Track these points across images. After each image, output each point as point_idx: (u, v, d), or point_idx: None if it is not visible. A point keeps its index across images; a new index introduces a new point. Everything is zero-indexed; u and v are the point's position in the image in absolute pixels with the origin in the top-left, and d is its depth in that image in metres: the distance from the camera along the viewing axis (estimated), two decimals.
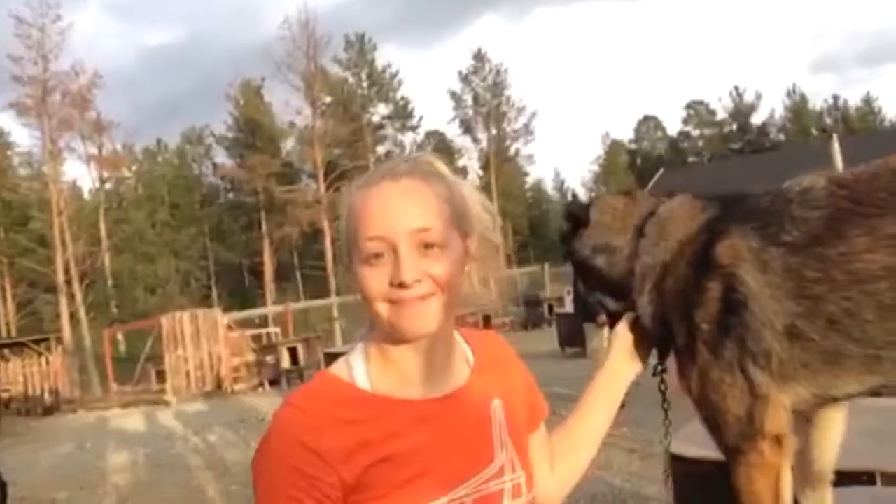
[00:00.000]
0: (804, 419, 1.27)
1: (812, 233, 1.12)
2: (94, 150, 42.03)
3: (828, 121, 56.16)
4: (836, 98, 58.62)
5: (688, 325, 1.23)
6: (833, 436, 1.31)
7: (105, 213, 42.84)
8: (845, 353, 1.13)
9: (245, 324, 20.45)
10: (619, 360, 1.36)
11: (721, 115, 59.44)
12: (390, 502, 1.01)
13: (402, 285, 1.00)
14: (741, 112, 58.45)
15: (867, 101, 58.21)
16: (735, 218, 1.20)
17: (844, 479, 1.86)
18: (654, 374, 1.38)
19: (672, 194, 1.39)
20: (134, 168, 50.96)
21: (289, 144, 48.91)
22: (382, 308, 1.03)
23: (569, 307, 15.26)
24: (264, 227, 45.71)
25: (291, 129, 46.80)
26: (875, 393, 1.23)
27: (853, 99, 59.42)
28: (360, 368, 1.08)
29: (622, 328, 1.35)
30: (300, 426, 1.01)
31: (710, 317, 1.19)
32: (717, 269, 1.18)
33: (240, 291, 47.25)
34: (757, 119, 58.74)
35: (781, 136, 56.51)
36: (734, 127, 58.84)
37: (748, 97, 58.59)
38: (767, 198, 1.21)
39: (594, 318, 1.48)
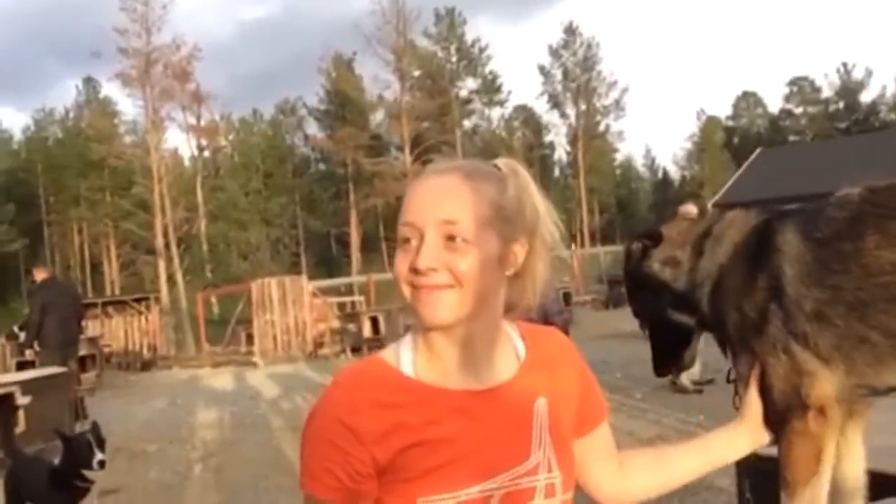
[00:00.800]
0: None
1: (837, 230, 1.25)
2: (192, 121, 43.94)
3: None
4: None
5: (739, 315, 1.32)
6: (856, 459, 1.35)
7: (202, 180, 44.67)
8: (871, 340, 1.21)
9: (330, 292, 21.00)
10: (741, 430, 1.33)
11: (827, 92, 56.37)
12: (420, 485, 1.05)
13: (416, 271, 1.05)
14: (849, 90, 55.20)
15: None
16: (782, 219, 1.33)
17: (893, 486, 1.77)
18: (728, 381, 1.42)
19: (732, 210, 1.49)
20: (230, 137, 52.81)
21: (378, 117, 49.62)
22: (406, 291, 1.08)
23: None
24: (352, 197, 46.67)
25: (380, 103, 47.40)
26: None
27: None
28: (406, 355, 1.12)
29: (755, 398, 1.33)
30: (341, 404, 1.07)
31: (757, 304, 1.29)
32: (763, 261, 1.30)
33: (327, 260, 48.49)
34: (866, 97, 55.37)
35: (893, 116, 53.11)
36: (841, 105, 55.69)
37: (857, 74, 55.27)
38: (815, 202, 1.34)
39: (674, 372, 1.56)
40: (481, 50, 49.36)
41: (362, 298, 20.05)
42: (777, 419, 1.29)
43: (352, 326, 15.68)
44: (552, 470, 1.14)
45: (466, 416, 1.08)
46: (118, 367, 17.46)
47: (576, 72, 51.19)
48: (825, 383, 1.25)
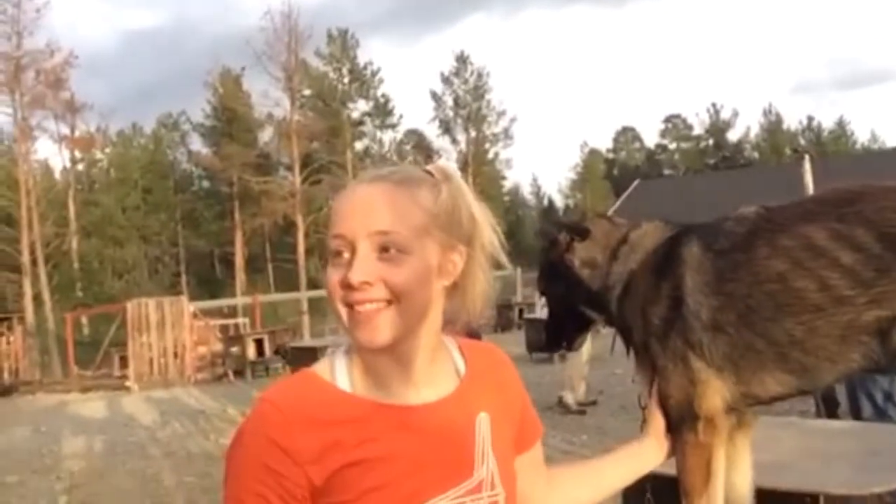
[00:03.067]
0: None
1: (734, 242, 1.33)
2: (66, 131, 41.49)
3: (802, 141, 57.11)
4: (810, 119, 59.71)
5: (643, 321, 1.39)
6: (745, 468, 1.43)
7: (75, 194, 42.16)
8: (757, 347, 1.29)
9: (213, 313, 20.25)
10: (647, 445, 1.36)
11: (698, 130, 60.23)
12: None
13: (350, 286, 0.99)
14: (717, 128, 59.24)
15: (840, 124, 59.40)
16: (690, 232, 1.40)
17: (787, 500, 1.89)
18: (634, 381, 1.50)
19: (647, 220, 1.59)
20: (107, 150, 50.25)
21: (266, 136, 48.59)
22: (341, 311, 1.03)
23: (539, 313, 15.34)
24: (237, 216, 45.32)
25: (269, 121, 46.48)
26: (803, 393, 1.40)
27: (827, 122, 60.39)
28: (342, 369, 1.07)
29: (658, 413, 1.36)
30: (273, 424, 1.00)
31: (660, 311, 1.36)
32: (668, 271, 1.37)
33: (209, 280, 46.79)
34: (733, 136, 59.61)
35: (756, 154, 57.36)
36: (710, 142, 59.64)
37: (725, 114, 59.42)
38: (718, 219, 1.42)
39: (564, 346, 1.69)
40: (374, 73, 49.47)
41: (247, 321, 19.46)
42: (673, 427, 1.35)
43: (235, 349, 15.17)
44: (495, 487, 1.10)
45: (406, 433, 1.04)
46: None
47: (466, 99, 52.18)
48: (715, 394, 1.31)
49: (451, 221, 1.05)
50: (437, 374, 1.11)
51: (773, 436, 2.38)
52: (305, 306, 20.26)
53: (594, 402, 8.29)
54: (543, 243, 1.63)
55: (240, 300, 23.82)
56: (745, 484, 1.43)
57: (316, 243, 41.10)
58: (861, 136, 60.36)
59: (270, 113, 44.77)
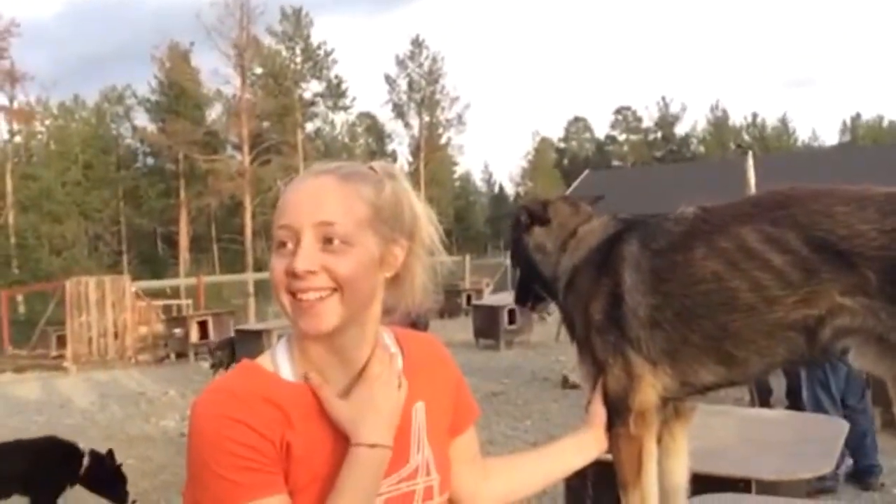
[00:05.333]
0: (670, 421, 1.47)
1: (671, 242, 1.37)
2: (5, 102, 39.93)
3: (746, 137, 58.62)
4: (755, 116, 61.21)
5: (584, 316, 1.43)
6: (681, 456, 1.49)
7: (12, 167, 40.63)
8: (693, 342, 1.34)
9: (155, 294, 19.80)
10: (589, 435, 1.40)
11: (647, 122, 61.24)
12: (304, 495, 1.03)
13: (295, 275, 1.02)
14: (666, 122, 60.32)
15: (783, 121, 61.10)
16: (631, 230, 1.44)
17: (722, 485, 1.96)
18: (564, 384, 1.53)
19: (596, 201, 1.66)
20: (48, 123, 48.51)
21: (214, 113, 47.61)
22: (285, 300, 1.06)
23: (487, 299, 15.42)
24: (183, 195, 44.35)
25: (218, 98, 45.56)
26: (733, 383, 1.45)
27: (771, 118, 62.05)
28: (284, 362, 1.11)
29: (599, 406, 1.41)
30: (228, 404, 1.03)
31: (600, 307, 1.41)
32: (608, 268, 1.41)
33: (152, 260, 45.69)
34: (681, 130, 60.80)
35: (702, 149, 58.63)
36: (659, 135, 60.71)
37: (674, 108, 60.53)
38: (658, 217, 1.47)
39: (529, 305, 1.73)
40: (327, 53, 48.80)
41: (190, 302, 19.09)
42: (609, 420, 1.40)
43: (178, 331, 14.83)
44: (430, 473, 1.15)
45: None
46: None
47: (421, 83, 51.98)
48: (649, 388, 1.37)
49: (393, 216, 1.10)
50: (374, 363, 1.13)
51: (709, 423, 2.46)
52: (252, 288, 19.95)
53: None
54: (513, 219, 1.70)
55: (183, 281, 23.39)
56: (681, 471, 1.48)
57: (263, 224, 40.53)
58: (802, 134, 62.27)
59: (219, 90, 44.04)
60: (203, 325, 14.63)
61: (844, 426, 2.85)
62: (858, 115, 63.05)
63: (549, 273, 1.55)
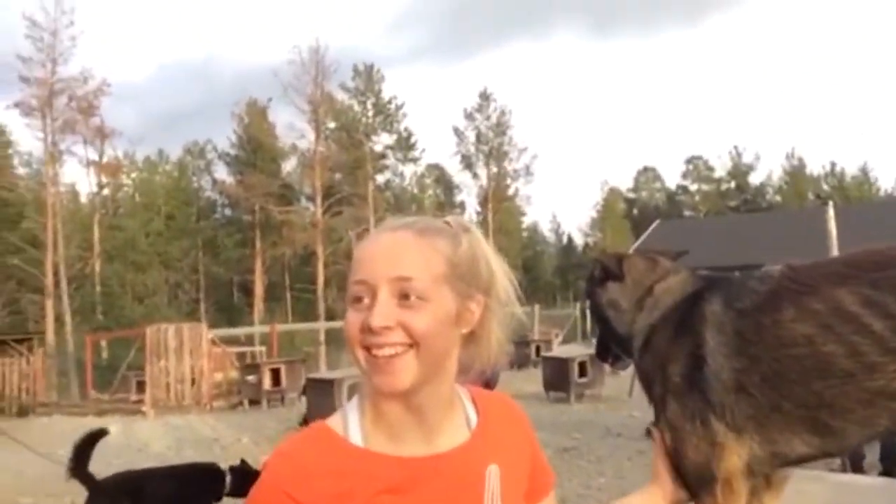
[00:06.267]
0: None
1: (757, 302, 1.31)
2: (94, 156, 42.23)
3: (824, 187, 56.77)
4: (833, 165, 59.34)
5: (663, 378, 1.38)
6: None
7: (100, 218, 42.76)
8: (783, 409, 1.27)
9: (230, 341, 20.31)
10: (656, 493, 1.36)
11: (719, 172, 60.08)
12: None
13: (370, 330, 1.01)
14: (739, 171, 59.05)
15: (864, 170, 58.97)
16: (712, 289, 1.39)
17: None
18: (648, 435, 1.49)
19: (679, 256, 1.61)
20: (133, 176, 51.04)
21: (289, 166, 49.18)
22: (360, 355, 1.04)
23: (556, 350, 15.23)
24: (258, 245, 45.69)
25: (293, 151, 47.08)
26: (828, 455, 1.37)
27: (850, 167, 60.03)
28: (354, 422, 1.09)
29: (662, 462, 1.36)
30: (285, 475, 1.02)
31: (681, 370, 1.35)
32: (688, 328, 1.36)
33: (228, 308, 46.99)
34: (755, 179, 59.39)
35: (778, 198, 57.03)
36: (732, 185, 59.41)
37: (747, 157, 59.30)
38: (741, 275, 1.41)
39: (610, 361, 1.68)
40: (398, 107, 50.02)
41: (263, 349, 19.48)
42: (690, 490, 1.33)
43: (251, 378, 15.13)
44: None
45: (417, 485, 1.05)
46: None
47: (488, 135, 52.53)
48: (734, 456, 1.30)
49: (470, 271, 1.08)
50: (450, 423, 1.12)
51: (800, 489, 2.35)
52: (323, 336, 20.23)
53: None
54: (587, 273, 1.67)
55: (257, 328, 23.89)
56: None
57: (335, 274, 41.25)
58: (885, 183, 59.90)
59: (295, 144, 45.44)
60: (276, 373, 14.87)
61: None
62: None
63: (624, 331, 1.51)
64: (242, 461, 5.03)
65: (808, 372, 1.25)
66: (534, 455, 1.22)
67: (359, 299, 1.04)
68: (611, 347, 1.62)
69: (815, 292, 1.27)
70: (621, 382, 12.60)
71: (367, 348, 1.03)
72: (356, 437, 1.07)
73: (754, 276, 1.38)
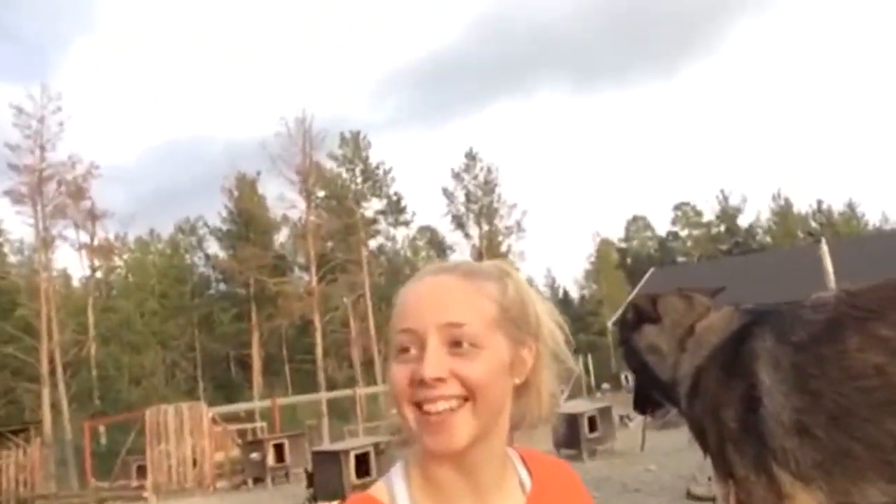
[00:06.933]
0: None
1: (815, 333, 1.20)
2: (86, 239, 42.32)
3: (813, 224, 57.31)
4: (819, 202, 60.02)
5: (718, 426, 1.27)
6: None
7: (93, 301, 42.56)
8: (853, 452, 1.14)
9: (231, 418, 19.99)
10: None
11: (708, 216, 60.67)
12: None
13: (422, 382, 0.93)
14: (727, 214, 59.63)
15: (850, 206, 59.67)
16: (760, 322, 1.27)
17: None
18: (688, 497, 1.40)
19: (716, 293, 1.47)
20: (125, 257, 51.08)
21: (282, 237, 49.39)
22: (409, 413, 0.96)
23: (563, 406, 15.03)
24: (254, 318, 45.47)
25: (285, 222, 47.36)
26: None
27: (836, 204, 60.77)
28: (401, 490, 1.01)
29: None
30: None
31: (736, 415, 1.24)
32: (740, 368, 1.25)
33: (226, 383, 46.42)
34: (743, 221, 59.94)
35: (768, 238, 57.46)
36: (722, 228, 59.88)
37: (734, 200, 59.95)
38: (792, 305, 1.29)
39: (651, 411, 1.55)
40: (385, 172, 50.57)
41: (265, 424, 19.16)
42: None
43: (255, 455, 14.81)
44: None
45: None
46: None
47: (477, 194, 53.03)
48: None
49: (520, 315, 1.01)
50: (504, 487, 1.03)
51: None
52: (325, 408, 19.95)
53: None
54: (622, 317, 1.56)
55: (258, 404, 23.55)
56: None
57: (333, 343, 40.94)
58: (872, 217, 60.53)
59: (286, 215, 45.73)
60: (279, 448, 14.58)
61: None
62: None
63: (667, 376, 1.41)
64: None
65: (880, 407, 1.14)
66: None
67: (405, 350, 0.96)
68: (650, 396, 1.52)
69: (881, 317, 1.16)
70: (631, 436, 12.40)
71: (418, 405, 0.95)
72: None
73: (806, 306, 1.28)
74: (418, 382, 0.93)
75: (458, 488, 0.99)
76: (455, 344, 0.94)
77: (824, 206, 59.77)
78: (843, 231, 53.37)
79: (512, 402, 1.00)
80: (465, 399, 0.94)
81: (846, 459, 1.14)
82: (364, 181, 50.12)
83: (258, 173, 47.81)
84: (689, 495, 7.86)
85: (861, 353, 1.15)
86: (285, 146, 42.74)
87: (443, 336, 0.94)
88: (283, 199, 44.02)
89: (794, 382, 1.18)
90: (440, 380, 0.93)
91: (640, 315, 1.47)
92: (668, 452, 10.13)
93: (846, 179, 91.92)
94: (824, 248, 14.50)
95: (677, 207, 61.80)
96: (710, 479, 7.77)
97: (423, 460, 1.00)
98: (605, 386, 25.57)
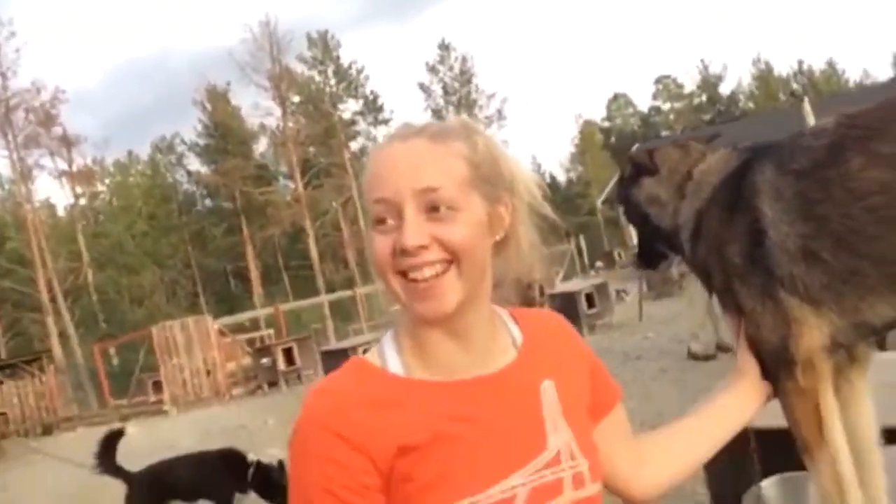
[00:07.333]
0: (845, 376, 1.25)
1: (816, 158, 1.17)
2: (64, 167, 41.67)
3: (794, 86, 56.79)
4: (800, 63, 59.26)
5: (722, 264, 1.25)
6: (863, 404, 1.28)
7: (82, 228, 42.37)
8: (862, 271, 1.14)
9: (236, 328, 20.39)
10: (746, 386, 1.23)
11: (689, 87, 59.92)
12: (436, 493, 0.92)
13: (404, 251, 0.93)
14: (709, 83, 58.89)
15: (830, 64, 58.97)
16: (759, 157, 1.25)
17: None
18: (689, 356, 1.41)
19: (711, 139, 1.46)
20: (107, 181, 50.44)
21: (261, 146, 48.68)
22: (396, 283, 0.95)
23: (560, 286, 15.41)
24: (245, 230, 45.49)
25: (263, 131, 46.56)
26: None
27: (817, 63, 60.02)
28: (392, 353, 1.00)
29: (747, 354, 1.24)
30: (326, 411, 0.94)
31: (740, 250, 1.22)
32: (742, 205, 1.22)
33: (227, 297, 46.89)
34: (725, 89, 59.30)
35: (751, 104, 57.05)
36: (703, 98, 59.29)
37: (714, 68, 59.10)
38: (791, 136, 1.26)
39: (655, 265, 1.52)
40: (359, 71, 49.34)
41: (271, 332, 19.58)
42: (770, 376, 1.21)
43: (265, 361, 15.25)
44: (575, 458, 1.01)
45: (469, 410, 0.97)
46: (17, 435, 16.30)
47: (454, 86, 52.04)
48: (813, 332, 1.18)
49: (492, 172, 0.99)
50: (495, 345, 1.03)
51: (853, 389, 2.35)
52: (327, 310, 20.33)
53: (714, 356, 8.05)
54: (620, 175, 1.54)
55: (262, 312, 23.95)
56: (866, 421, 1.27)
57: (327, 247, 41.19)
58: (852, 74, 59.99)
59: (263, 123, 44.91)
60: (289, 352, 14.98)
61: None
62: None
63: (669, 225, 1.37)
64: (280, 462, 4.91)
65: (886, 222, 1.12)
66: (594, 369, 1.12)
67: (381, 220, 0.95)
68: (654, 248, 1.48)
69: (882, 135, 1.14)
70: (628, 309, 12.82)
71: (403, 273, 0.94)
72: (395, 366, 0.99)
73: (806, 134, 1.25)
74: (401, 252, 0.93)
75: (450, 351, 0.99)
76: (432, 209, 0.93)
77: (805, 67, 59.07)
78: (825, 89, 52.95)
79: (493, 259, 1.00)
80: (450, 262, 0.94)
81: (855, 278, 1.14)
82: (338, 82, 48.93)
83: (228, 84, 46.62)
84: (690, 354, 8.23)
85: (865, 172, 1.12)
86: (252, 52, 41.50)
87: (419, 202, 0.93)
88: (257, 107, 43.16)
89: (799, 210, 1.15)
90: (422, 247, 0.93)
91: (638, 168, 1.43)
92: (665, 320, 10.49)
93: (826, 38, 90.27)
94: (807, 107, 14.47)
95: (658, 81, 60.89)
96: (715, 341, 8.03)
97: (413, 327, 0.99)
98: (599, 264, 26.02)
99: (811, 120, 9.16)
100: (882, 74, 57.62)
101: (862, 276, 1.14)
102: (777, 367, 1.19)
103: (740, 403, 1.21)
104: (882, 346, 5.29)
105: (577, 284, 13.23)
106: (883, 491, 1.25)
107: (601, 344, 10.63)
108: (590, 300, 12.14)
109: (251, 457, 4.99)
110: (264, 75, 41.76)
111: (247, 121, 46.49)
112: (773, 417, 1.28)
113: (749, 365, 1.23)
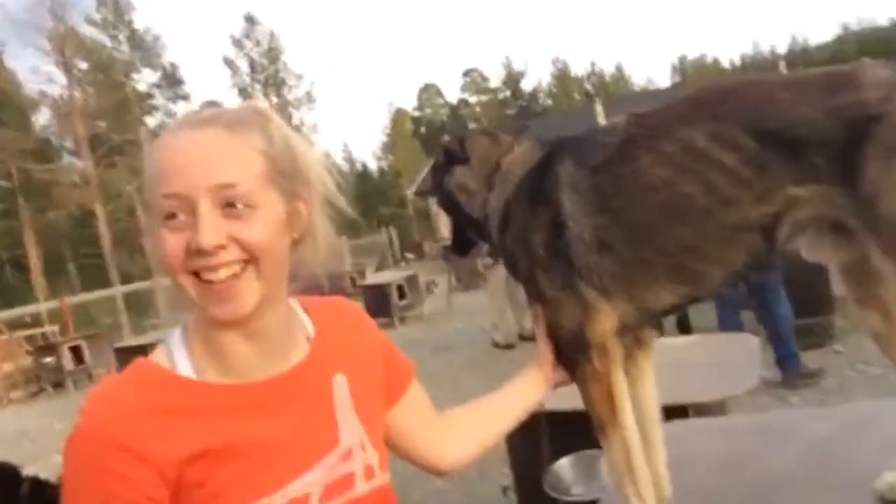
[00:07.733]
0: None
1: (610, 154, 1.26)
2: None
3: (588, 87, 61.31)
4: (593, 65, 64.12)
5: (527, 253, 1.32)
6: (648, 384, 1.41)
7: None
8: (647, 260, 1.24)
9: (14, 324, 18.37)
10: (536, 375, 1.33)
11: (494, 82, 62.61)
12: (230, 497, 0.90)
13: (199, 251, 0.88)
14: (512, 79, 61.91)
15: (619, 68, 64.39)
16: (561, 151, 1.33)
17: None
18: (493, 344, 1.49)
19: (520, 131, 1.53)
20: None
21: (43, 118, 44.10)
22: (188, 283, 0.91)
23: (372, 278, 15.46)
24: (24, 213, 41.01)
25: (44, 100, 42.19)
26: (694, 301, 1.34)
27: (608, 66, 65.22)
28: (181, 355, 0.96)
29: (544, 343, 1.34)
30: (108, 422, 0.88)
31: (542, 240, 1.30)
32: (545, 196, 1.30)
33: (2, 289, 42.12)
34: (527, 85, 62.66)
35: (550, 101, 60.74)
36: (508, 94, 62.22)
37: (517, 65, 62.29)
38: (589, 131, 1.37)
39: (466, 252, 1.56)
40: (155, 38, 46.12)
41: (56, 328, 17.86)
42: (567, 359, 1.31)
43: (49, 360, 13.88)
44: (366, 450, 1.04)
45: (262, 410, 0.95)
46: None
47: (262, 63, 50.43)
48: (605, 317, 1.26)
49: (289, 166, 0.96)
50: (290, 341, 1.02)
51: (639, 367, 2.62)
52: (121, 303, 18.90)
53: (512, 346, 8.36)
54: (434, 161, 1.57)
55: (44, 305, 21.69)
56: (650, 400, 1.40)
57: (121, 233, 38.23)
58: (638, 80, 65.90)
59: (44, 91, 40.68)
60: (77, 350, 13.76)
61: (755, 340, 3.05)
62: (685, 56, 67.62)
63: (478, 213, 1.43)
64: (38, 480, 4.54)
65: (670, 217, 1.22)
66: (387, 354, 1.15)
67: (172, 216, 0.89)
68: (465, 236, 1.53)
69: (665, 134, 1.24)
70: (438, 300, 13.13)
71: (196, 273, 0.90)
72: (185, 369, 0.95)
73: (600, 131, 1.35)
74: (196, 251, 0.88)
75: (245, 353, 0.96)
76: (228, 205, 0.89)
77: (597, 69, 63.94)
78: (614, 92, 57.63)
79: (290, 255, 0.98)
80: (247, 262, 0.91)
81: (641, 268, 1.25)
82: (132, 49, 45.45)
83: (2, 44, 41.75)
84: (493, 343, 8.65)
85: (652, 169, 1.23)
86: (30, 8, 37.45)
87: (215, 199, 0.89)
88: (37, 72, 39.11)
89: (595, 203, 1.25)
90: (220, 247, 0.89)
91: (450, 156, 1.47)
92: (473, 311, 10.85)
93: (615, 44, 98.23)
94: (599, 108, 15.65)
95: (466, 74, 63.00)
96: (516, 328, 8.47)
97: (205, 328, 0.95)
98: (410, 255, 26.45)
99: (602, 119, 9.91)
100: (663, 81, 63.90)
101: (648, 266, 1.25)
102: (574, 352, 1.29)
103: (532, 389, 1.31)
104: (686, 330, 5.89)
105: (389, 276, 13.34)
106: (664, 463, 1.38)
107: (412, 335, 10.81)
108: (401, 292, 12.28)
109: (27, 471, 4.45)
110: (44, 35, 37.81)
111: (24, 87, 41.91)
112: (563, 400, 1.44)
113: (543, 355, 1.32)
